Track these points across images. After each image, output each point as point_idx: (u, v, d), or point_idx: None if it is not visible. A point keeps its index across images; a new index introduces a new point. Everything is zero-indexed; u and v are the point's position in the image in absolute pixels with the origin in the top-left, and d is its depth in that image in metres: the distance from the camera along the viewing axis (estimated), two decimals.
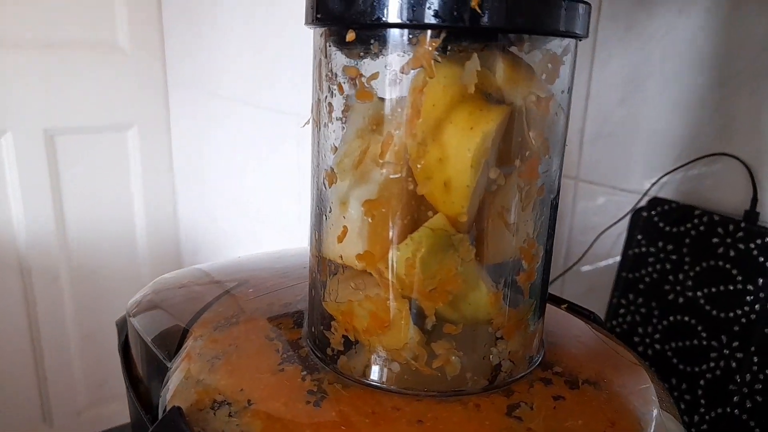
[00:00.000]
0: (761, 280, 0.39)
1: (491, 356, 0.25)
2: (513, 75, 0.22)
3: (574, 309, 0.35)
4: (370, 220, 0.24)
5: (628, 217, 0.48)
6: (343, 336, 0.26)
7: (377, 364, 0.25)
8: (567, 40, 0.23)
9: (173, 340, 0.31)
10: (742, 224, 0.40)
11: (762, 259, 0.39)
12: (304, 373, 0.26)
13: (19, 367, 1.46)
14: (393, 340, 0.24)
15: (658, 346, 0.45)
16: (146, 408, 0.32)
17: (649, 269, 0.46)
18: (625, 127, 0.48)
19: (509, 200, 0.23)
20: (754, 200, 0.40)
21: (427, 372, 0.24)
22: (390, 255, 0.24)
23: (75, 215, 1.47)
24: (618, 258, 0.49)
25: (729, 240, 0.41)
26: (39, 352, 1.46)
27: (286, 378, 0.26)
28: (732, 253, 0.41)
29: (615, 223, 0.49)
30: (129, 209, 1.54)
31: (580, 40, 0.23)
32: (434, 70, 0.21)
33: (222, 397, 0.25)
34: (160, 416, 0.26)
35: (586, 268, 0.52)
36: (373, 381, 0.25)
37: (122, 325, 0.39)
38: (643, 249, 0.46)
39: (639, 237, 0.47)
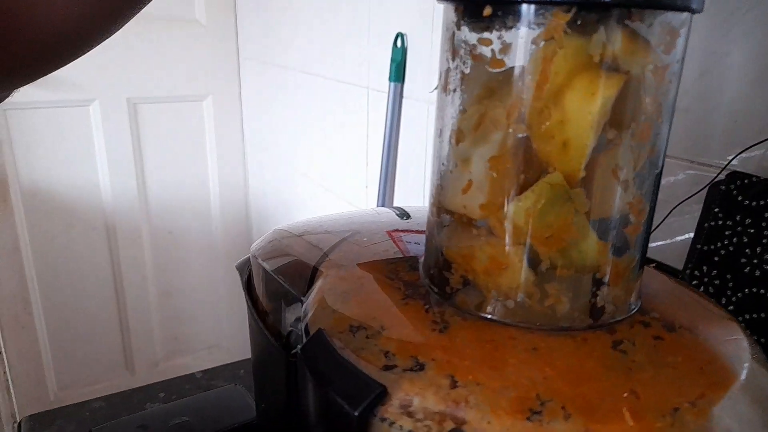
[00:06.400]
0: None
1: (597, 299, 0.28)
2: (631, 47, 0.25)
3: (663, 268, 0.37)
4: (494, 174, 0.27)
5: (705, 191, 0.49)
6: (462, 276, 0.30)
7: (493, 300, 0.29)
8: (684, 14, 0.25)
9: (302, 279, 0.36)
10: None
11: None
12: (427, 306, 0.30)
13: (105, 321, 1.57)
14: (509, 280, 0.28)
15: None
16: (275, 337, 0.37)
17: (725, 242, 0.47)
18: (705, 101, 0.48)
19: (623, 159, 0.26)
20: None
21: (538, 309, 0.28)
22: (510, 206, 0.27)
23: (155, 179, 1.55)
24: (692, 231, 0.50)
25: None
26: (123, 307, 1.57)
27: (411, 310, 0.30)
28: None
29: (692, 195, 0.49)
30: (204, 175, 1.61)
31: (695, 14, 0.25)
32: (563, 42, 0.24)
33: (358, 323, 0.29)
34: (303, 339, 0.31)
35: (659, 239, 0.53)
36: (489, 315, 0.29)
37: (242, 267, 0.44)
38: (720, 222, 0.47)
39: (716, 210, 0.47)
